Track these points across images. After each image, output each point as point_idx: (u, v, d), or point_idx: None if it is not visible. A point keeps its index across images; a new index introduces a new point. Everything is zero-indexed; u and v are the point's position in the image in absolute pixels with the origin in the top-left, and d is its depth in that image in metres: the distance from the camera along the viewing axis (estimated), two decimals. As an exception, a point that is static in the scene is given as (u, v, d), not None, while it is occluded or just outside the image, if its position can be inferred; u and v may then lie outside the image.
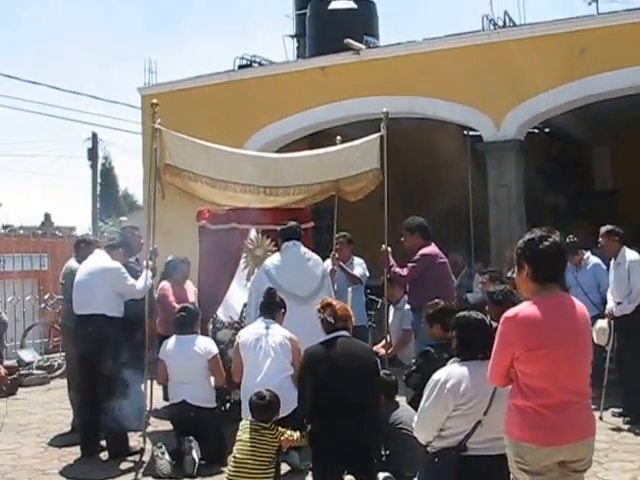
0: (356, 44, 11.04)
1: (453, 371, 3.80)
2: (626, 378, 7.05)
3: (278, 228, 6.83)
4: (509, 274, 7.72)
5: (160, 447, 5.81)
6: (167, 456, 5.73)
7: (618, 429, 6.70)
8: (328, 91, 10.94)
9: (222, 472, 5.42)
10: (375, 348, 7.25)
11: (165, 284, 7.62)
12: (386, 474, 5.08)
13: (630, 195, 13.13)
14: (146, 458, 6.04)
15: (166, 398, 6.83)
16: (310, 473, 5.11)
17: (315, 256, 6.75)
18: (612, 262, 7.16)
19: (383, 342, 7.42)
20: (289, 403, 5.25)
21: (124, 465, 6.05)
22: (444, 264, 7.07)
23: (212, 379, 6.23)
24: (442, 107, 10.37)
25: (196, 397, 6.00)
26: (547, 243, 3.19)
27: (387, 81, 10.45)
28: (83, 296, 6.38)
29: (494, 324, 4.02)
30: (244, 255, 7.26)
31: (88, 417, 6.41)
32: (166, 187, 6.37)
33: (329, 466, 4.68)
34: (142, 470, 5.87)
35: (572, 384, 3.14)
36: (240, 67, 12.47)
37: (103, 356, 6.17)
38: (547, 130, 12.85)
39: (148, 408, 6.31)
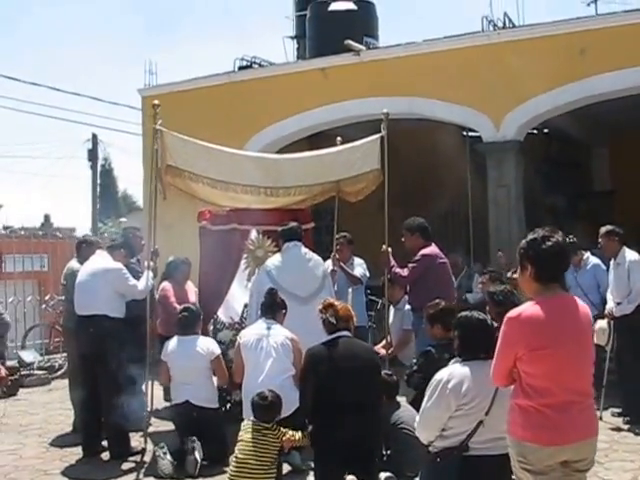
0: (356, 45, 11.05)
1: (455, 371, 3.80)
2: (626, 378, 7.06)
3: (279, 229, 6.83)
4: (509, 274, 7.76)
5: (162, 447, 5.81)
6: (169, 456, 5.74)
7: (618, 429, 6.72)
8: (328, 92, 10.94)
9: (224, 472, 5.42)
10: (375, 348, 7.24)
11: (166, 285, 7.62)
12: (387, 474, 5.09)
13: (628, 196, 13.18)
14: (147, 458, 6.06)
15: (166, 398, 6.84)
16: (311, 473, 5.12)
17: (316, 257, 6.76)
18: (612, 262, 7.17)
19: (383, 342, 7.42)
20: (290, 403, 5.26)
21: (126, 465, 6.06)
22: (444, 264, 7.07)
23: (215, 379, 6.24)
24: (442, 108, 10.38)
25: (199, 397, 6.01)
26: (550, 243, 3.19)
27: (387, 82, 10.46)
28: (85, 297, 6.38)
29: (494, 324, 4.05)
30: (245, 256, 7.25)
31: (89, 417, 6.44)
32: (167, 188, 6.39)
33: (330, 466, 4.68)
34: (144, 470, 5.88)
35: (575, 384, 3.15)
36: (240, 68, 12.47)
37: (104, 356, 6.18)
38: (546, 131, 12.86)
39: (149, 408, 6.31)
